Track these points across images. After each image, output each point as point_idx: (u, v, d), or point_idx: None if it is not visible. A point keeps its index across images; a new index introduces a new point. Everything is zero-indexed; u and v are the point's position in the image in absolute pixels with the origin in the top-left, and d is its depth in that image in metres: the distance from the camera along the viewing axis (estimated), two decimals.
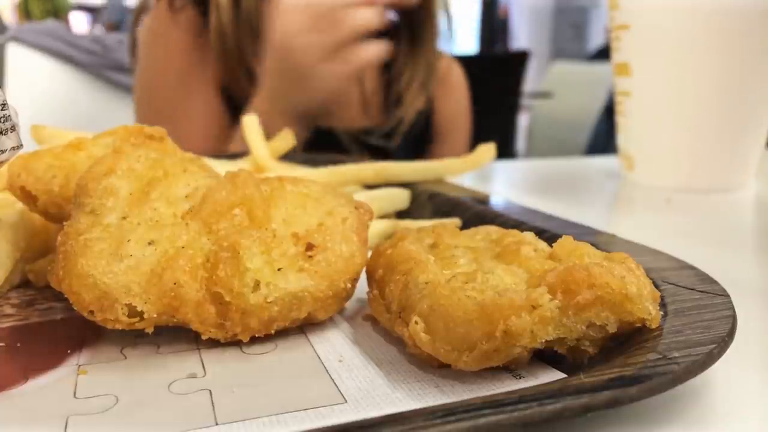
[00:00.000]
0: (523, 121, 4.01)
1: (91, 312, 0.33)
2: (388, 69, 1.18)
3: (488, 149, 0.67)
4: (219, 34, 1.05)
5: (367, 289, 0.39)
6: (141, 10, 1.21)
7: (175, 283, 0.33)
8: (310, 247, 0.37)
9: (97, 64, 1.77)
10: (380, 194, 0.59)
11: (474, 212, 0.56)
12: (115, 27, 4.85)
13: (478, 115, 1.37)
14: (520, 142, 3.99)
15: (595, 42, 7.35)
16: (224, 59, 1.06)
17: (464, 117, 1.33)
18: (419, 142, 1.22)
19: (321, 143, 1.05)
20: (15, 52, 1.78)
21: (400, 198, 0.60)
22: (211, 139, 1.06)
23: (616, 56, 0.84)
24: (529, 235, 0.38)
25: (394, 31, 1.22)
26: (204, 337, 0.35)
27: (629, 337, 0.32)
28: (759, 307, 0.44)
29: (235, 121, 1.05)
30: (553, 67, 4.43)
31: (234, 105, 1.08)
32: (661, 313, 0.33)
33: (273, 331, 0.36)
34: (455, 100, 1.30)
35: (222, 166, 0.50)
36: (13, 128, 0.36)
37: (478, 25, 7.33)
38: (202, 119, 1.08)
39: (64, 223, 0.36)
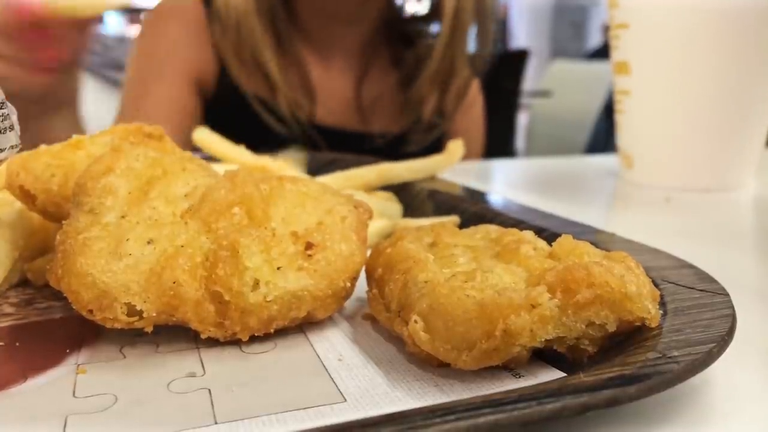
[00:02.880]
0: (522, 120, 4.02)
1: (90, 311, 0.33)
2: (408, 78, 1.16)
3: (457, 145, 0.72)
4: (234, 23, 1.04)
5: (366, 288, 0.39)
6: None
7: (174, 282, 0.33)
8: (309, 246, 0.37)
9: (97, 63, 1.77)
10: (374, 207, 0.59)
11: (473, 211, 0.56)
12: None
13: None
14: (520, 141, 3.99)
15: (594, 41, 7.36)
16: (236, 50, 1.05)
17: (479, 128, 1.32)
18: (431, 153, 1.20)
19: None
20: None
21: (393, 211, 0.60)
22: (173, 128, 1.04)
23: (616, 55, 0.83)
24: (529, 234, 0.38)
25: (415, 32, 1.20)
26: (203, 336, 0.35)
27: (629, 335, 0.32)
28: (759, 306, 0.44)
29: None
30: (552, 65, 4.43)
31: (240, 102, 1.07)
32: (661, 311, 0.33)
33: (272, 330, 0.36)
34: (472, 111, 1.27)
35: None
36: (12, 127, 0.36)
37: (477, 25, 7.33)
38: (165, 106, 1.05)
39: (63, 222, 0.36)
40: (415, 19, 1.22)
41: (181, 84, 1.07)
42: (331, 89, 1.13)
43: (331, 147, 1.05)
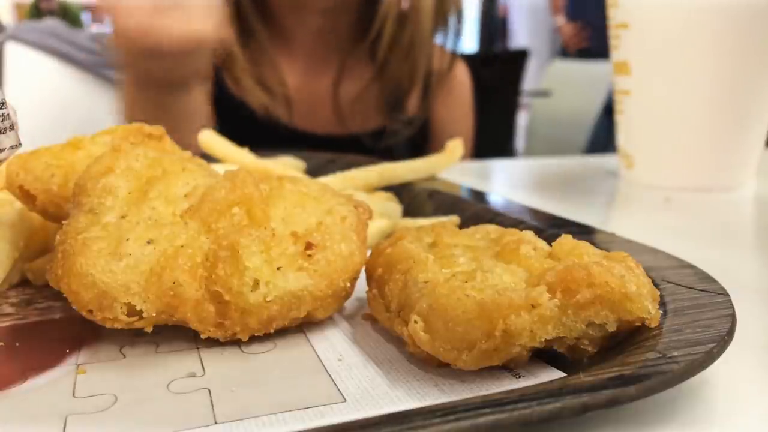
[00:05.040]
0: (522, 119, 4.01)
1: (90, 311, 0.33)
2: (381, 72, 1.15)
3: (457, 144, 0.72)
4: (236, 14, 1.02)
5: (366, 288, 0.39)
6: None
7: (174, 282, 0.33)
8: (309, 246, 0.37)
9: (96, 63, 1.77)
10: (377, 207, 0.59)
11: (473, 211, 0.56)
12: None
13: (478, 114, 1.36)
14: (520, 141, 3.98)
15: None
16: (247, 44, 1.03)
17: (466, 119, 1.29)
18: (417, 144, 1.19)
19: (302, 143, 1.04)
20: (13, 51, 1.78)
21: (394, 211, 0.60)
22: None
23: (616, 55, 0.83)
24: (529, 234, 0.38)
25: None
26: (203, 336, 0.35)
27: (629, 335, 0.32)
28: (759, 306, 0.44)
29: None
30: (552, 65, 4.43)
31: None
32: (661, 312, 0.33)
33: (272, 330, 0.36)
34: (457, 100, 1.26)
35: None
36: (12, 127, 0.36)
37: (477, 24, 7.32)
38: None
39: (63, 222, 0.36)
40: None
41: None
42: (309, 94, 1.12)
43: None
